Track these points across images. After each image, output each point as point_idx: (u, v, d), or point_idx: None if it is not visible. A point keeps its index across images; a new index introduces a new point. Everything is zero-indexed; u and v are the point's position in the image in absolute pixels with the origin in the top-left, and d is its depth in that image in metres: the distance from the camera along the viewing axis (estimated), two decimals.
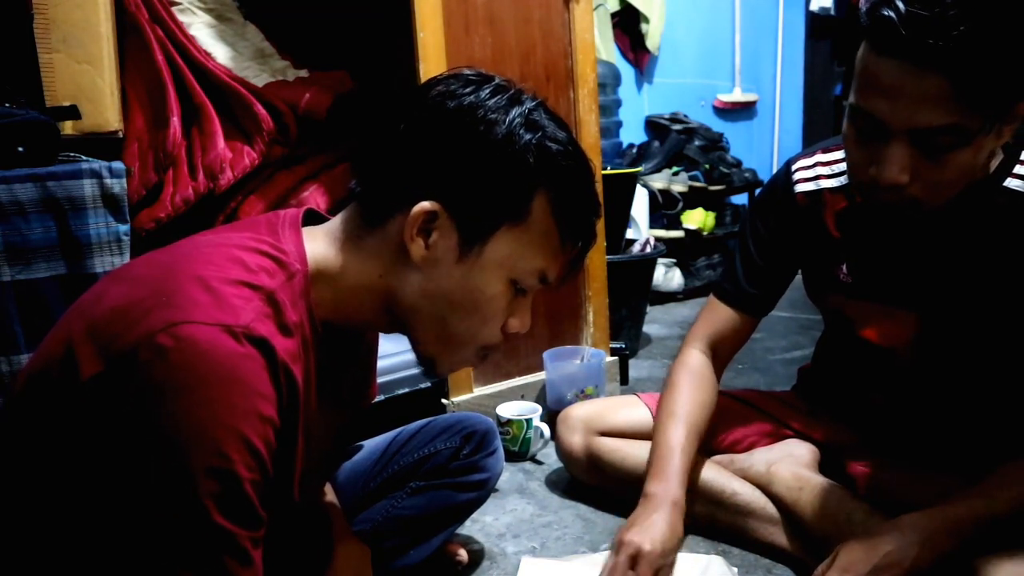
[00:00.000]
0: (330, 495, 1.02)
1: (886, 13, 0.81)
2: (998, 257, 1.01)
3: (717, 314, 1.28)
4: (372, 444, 1.14)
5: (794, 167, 1.20)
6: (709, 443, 1.30)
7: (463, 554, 1.24)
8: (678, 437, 1.17)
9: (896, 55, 0.82)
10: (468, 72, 0.77)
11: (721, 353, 1.29)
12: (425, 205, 0.72)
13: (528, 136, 0.73)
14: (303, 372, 0.69)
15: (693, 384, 1.24)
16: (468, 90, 0.74)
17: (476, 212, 0.73)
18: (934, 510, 0.98)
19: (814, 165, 1.18)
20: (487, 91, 0.74)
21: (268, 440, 0.64)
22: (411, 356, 1.71)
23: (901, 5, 0.80)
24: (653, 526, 1.06)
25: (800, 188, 1.18)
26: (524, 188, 0.73)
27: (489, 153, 0.72)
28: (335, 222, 0.79)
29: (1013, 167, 0.99)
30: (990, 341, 1.06)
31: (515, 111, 0.73)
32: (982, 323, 1.05)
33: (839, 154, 1.14)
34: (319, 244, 0.76)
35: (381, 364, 1.60)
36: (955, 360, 1.10)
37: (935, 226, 1.03)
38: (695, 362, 1.26)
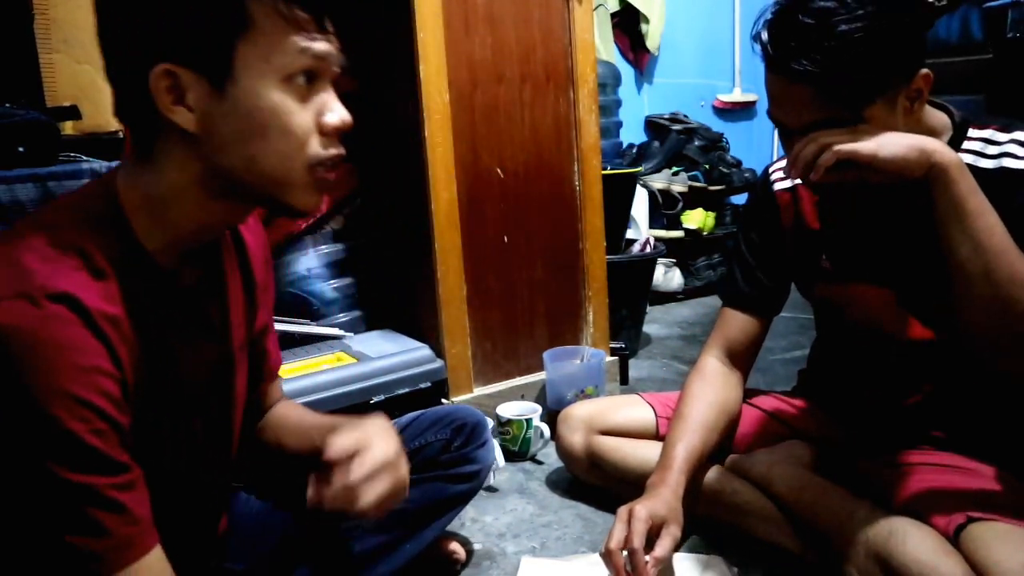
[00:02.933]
0: (310, 415, 1.01)
1: (761, 40, 0.99)
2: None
3: (727, 320, 1.32)
4: None
5: (771, 170, 1.29)
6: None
7: (460, 552, 1.24)
8: (682, 433, 1.21)
9: (774, 71, 1.00)
10: None
11: (738, 357, 1.32)
12: (156, 71, 0.68)
13: None
14: (133, 309, 0.69)
15: (703, 387, 1.27)
16: None
17: (202, 48, 0.69)
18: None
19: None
20: None
21: (102, 389, 0.65)
22: (411, 356, 1.74)
23: (765, 35, 0.99)
24: (646, 500, 1.11)
25: (778, 187, 1.27)
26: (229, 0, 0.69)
27: None
28: (127, 158, 0.77)
29: (962, 142, 1.06)
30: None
31: None
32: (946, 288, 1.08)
33: None
34: (123, 181, 0.74)
35: (381, 364, 1.61)
36: (934, 326, 1.13)
37: (898, 204, 1.10)
38: (707, 366, 1.31)
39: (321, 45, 0.73)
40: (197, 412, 0.83)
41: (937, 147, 0.94)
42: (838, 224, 1.20)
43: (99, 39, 0.72)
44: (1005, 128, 1.05)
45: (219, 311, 0.86)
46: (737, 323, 1.30)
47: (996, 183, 0.99)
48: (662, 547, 1.05)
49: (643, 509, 1.07)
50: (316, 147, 0.75)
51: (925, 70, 0.99)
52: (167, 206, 0.74)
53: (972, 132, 1.06)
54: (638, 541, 1.03)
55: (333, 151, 0.76)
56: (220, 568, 0.99)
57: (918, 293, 1.12)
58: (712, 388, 1.27)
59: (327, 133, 0.75)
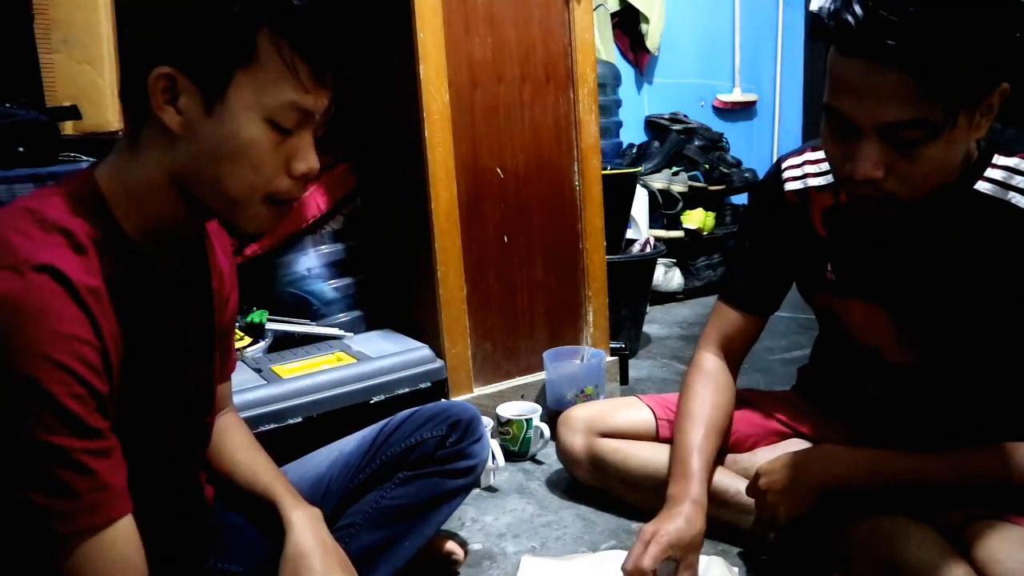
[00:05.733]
0: (264, 464, 1.02)
1: (846, 17, 0.83)
2: (966, 259, 1.01)
3: (724, 317, 1.30)
4: (361, 436, 1.15)
5: (784, 165, 1.21)
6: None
7: (458, 551, 1.24)
8: (696, 438, 1.20)
9: (859, 54, 0.84)
10: None
11: (732, 354, 1.31)
12: (158, 71, 0.73)
13: None
14: (113, 285, 0.72)
15: (707, 386, 1.26)
16: None
17: (205, 63, 0.73)
18: (862, 448, 1.07)
19: (803, 164, 1.19)
20: None
21: (81, 355, 0.67)
22: (411, 356, 1.74)
23: (859, 9, 0.82)
24: (670, 519, 1.10)
25: (789, 187, 1.19)
26: (241, 29, 0.73)
27: (197, 2, 0.73)
28: (117, 145, 0.81)
29: (984, 170, 0.98)
30: (962, 341, 1.06)
31: None
32: (952, 324, 1.05)
33: None
34: (105, 168, 0.79)
35: (381, 364, 1.61)
36: (934, 359, 1.11)
37: (910, 226, 1.04)
38: (708, 365, 1.29)
39: (310, 100, 0.77)
40: (178, 386, 0.87)
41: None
42: (846, 236, 1.14)
43: (116, 25, 0.77)
44: None
45: (199, 297, 0.90)
46: (734, 320, 1.29)
47: (1000, 214, 0.96)
48: None
49: (666, 536, 1.06)
50: (279, 186, 0.79)
51: (1006, 83, 0.88)
52: (142, 196, 0.78)
53: (998, 159, 0.98)
54: (648, 562, 1.04)
55: (296, 193, 0.81)
56: (218, 569, 0.99)
57: (917, 321, 1.09)
58: (715, 388, 1.26)
59: (293, 177, 0.79)
